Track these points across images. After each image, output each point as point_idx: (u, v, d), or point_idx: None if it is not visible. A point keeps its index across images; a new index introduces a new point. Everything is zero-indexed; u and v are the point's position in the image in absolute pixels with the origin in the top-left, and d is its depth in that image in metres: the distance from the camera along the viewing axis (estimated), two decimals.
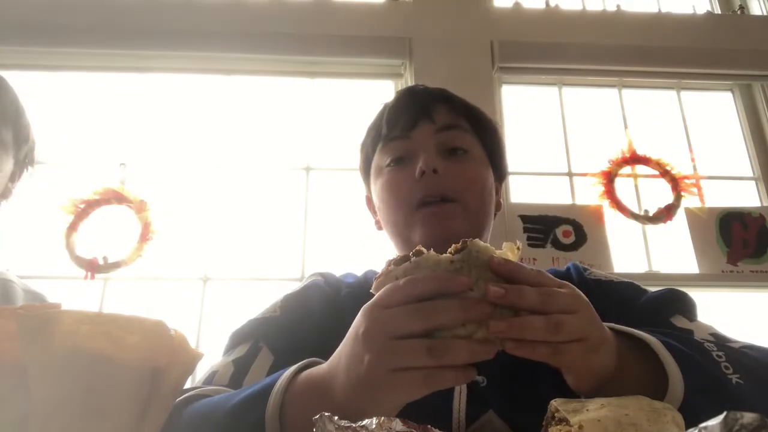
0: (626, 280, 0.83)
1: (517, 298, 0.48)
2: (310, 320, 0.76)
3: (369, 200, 0.94)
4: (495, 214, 0.87)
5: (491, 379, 0.66)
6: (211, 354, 0.72)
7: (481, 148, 0.86)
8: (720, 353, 0.57)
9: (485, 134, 0.87)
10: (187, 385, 0.71)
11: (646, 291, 0.79)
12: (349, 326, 0.65)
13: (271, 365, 0.72)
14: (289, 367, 0.56)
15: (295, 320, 0.76)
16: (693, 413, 0.41)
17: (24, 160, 1.01)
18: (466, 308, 0.47)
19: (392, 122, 0.85)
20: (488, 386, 0.66)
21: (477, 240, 0.51)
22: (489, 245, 0.51)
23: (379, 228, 0.90)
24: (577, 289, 0.53)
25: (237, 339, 0.77)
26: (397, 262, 0.52)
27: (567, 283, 0.52)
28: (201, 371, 0.74)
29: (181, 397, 0.63)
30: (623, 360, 0.54)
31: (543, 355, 0.48)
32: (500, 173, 0.90)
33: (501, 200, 0.90)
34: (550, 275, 0.53)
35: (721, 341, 0.68)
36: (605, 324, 0.55)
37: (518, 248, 0.53)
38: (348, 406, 0.49)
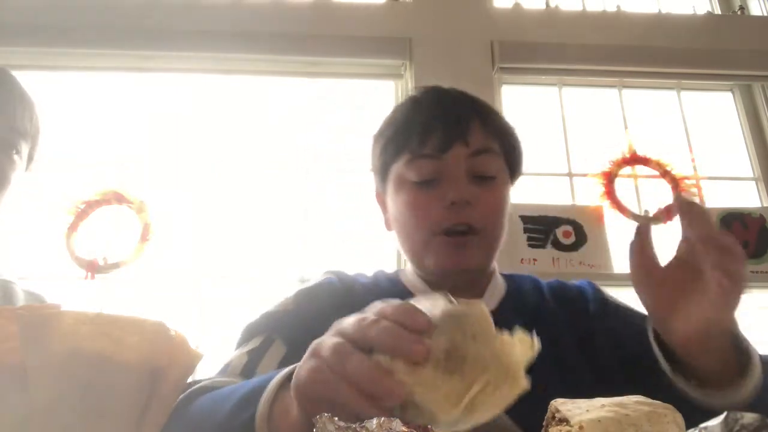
0: (642, 313, 0.83)
1: None
2: (322, 315, 0.76)
3: (380, 197, 0.91)
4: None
5: None
6: (211, 354, 0.72)
7: (506, 167, 0.85)
8: None
9: (512, 152, 0.86)
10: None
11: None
12: None
13: (283, 356, 0.73)
14: (283, 371, 0.55)
15: (307, 315, 0.77)
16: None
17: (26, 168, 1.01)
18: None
19: (423, 137, 0.79)
20: None
21: (480, 307, 0.44)
22: (489, 319, 0.44)
23: (389, 228, 0.89)
24: None
25: (251, 332, 0.78)
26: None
27: None
28: (201, 371, 0.75)
29: (193, 388, 0.64)
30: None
31: None
32: (515, 180, 0.90)
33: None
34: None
35: None
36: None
37: (533, 345, 0.46)
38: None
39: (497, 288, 0.85)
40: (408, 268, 0.89)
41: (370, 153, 0.92)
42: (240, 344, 0.78)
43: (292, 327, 0.76)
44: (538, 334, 0.77)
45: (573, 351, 0.77)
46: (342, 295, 0.80)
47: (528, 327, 0.78)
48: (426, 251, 0.79)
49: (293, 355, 0.72)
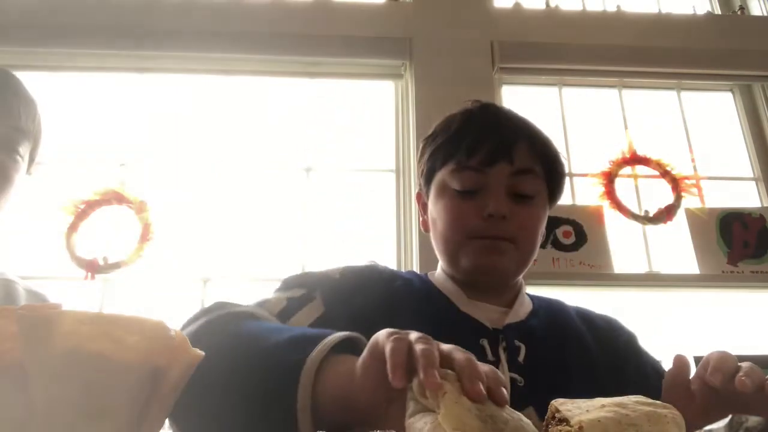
0: (655, 360, 0.87)
1: None
2: (365, 293, 0.81)
3: (420, 198, 0.95)
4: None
5: (529, 380, 0.73)
6: None
7: (545, 189, 0.87)
8: None
9: (553, 175, 0.88)
10: None
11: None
12: (401, 313, 0.76)
13: (319, 316, 0.77)
14: (339, 333, 0.57)
15: (351, 289, 0.81)
16: None
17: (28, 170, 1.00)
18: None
19: (471, 150, 0.83)
20: (526, 386, 0.73)
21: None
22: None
23: (425, 230, 0.92)
24: None
25: (292, 283, 0.82)
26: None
27: None
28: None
29: (236, 310, 0.69)
30: None
31: None
32: (553, 202, 0.92)
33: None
34: None
35: None
36: None
37: None
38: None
39: (525, 302, 0.88)
40: (437, 271, 0.91)
41: (418, 154, 0.95)
42: (278, 290, 0.82)
43: (333, 293, 0.80)
44: (568, 347, 0.81)
45: (601, 368, 0.81)
46: (385, 284, 0.84)
47: (558, 339, 0.82)
48: (461, 253, 0.83)
49: (329, 317, 0.76)
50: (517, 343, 0.77)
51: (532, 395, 0.71)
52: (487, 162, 0.82)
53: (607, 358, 0.82)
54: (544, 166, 0.87)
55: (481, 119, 0.88)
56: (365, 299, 0.79)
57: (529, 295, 0.92)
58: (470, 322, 0.80)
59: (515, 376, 0.73)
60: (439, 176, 0.87)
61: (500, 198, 0.81)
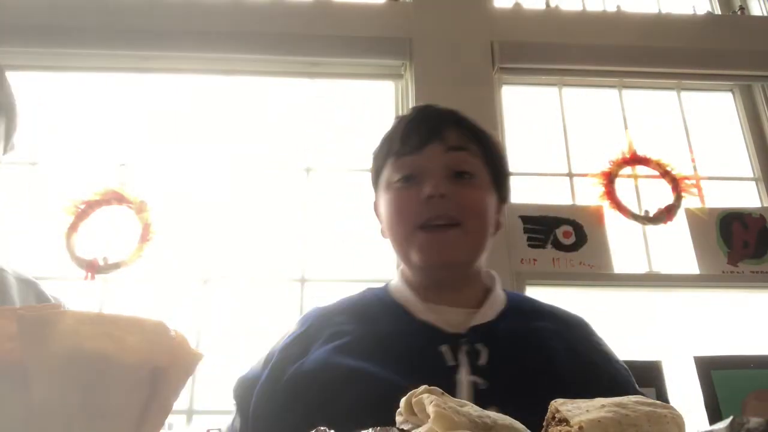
0: (623, 365, 0.86)
1: None
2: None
3: (376, 207, 0.96)
4: (495, 233, 0.89)
5: (491, 382, 0.71)
6: (211, 354, 0.73)
7: (487, 172, 0.87)
8: None
9: (492, 158, 0.89)
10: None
11: (637, 391, 0.82)
12: (355, 344, 0.77)
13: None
14: None
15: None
16: None
17: None
18: None
19: (404, 139, 0.87)
20: (488, 389, 0.70)
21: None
22: None
23: (384, 236, 0.92)
24: None
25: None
26: None
27: None
28: (201, 371, 0.77)
29: None
30: None
31: None
32: (503, 195, 0.92)
33: (501, 220, 0.91)
34: None
35: None
36: None
37: None
38: None
39: (497, 301, 0.85)
40: (395, 279, 0.90)
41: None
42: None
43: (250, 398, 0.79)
44: (535, 348, 0.80)
45: (569, 370, 0.78)
46: (303, 344, 0.79)
47: (525, 340, 0.80)
48: (410, 246, 0.83)
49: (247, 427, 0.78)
50: (478, 346, 0.75)
51: (495, 397, 0.69)
52: (420, 144, 0.85)
53: (575, 359, 0.80)
54: (479, 146, 0.88)
55: (411, 116, 0.92)
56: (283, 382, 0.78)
57: (507, 292, 0.90)
58: (427, 329, 0.78)
59: (476, 379, 0.71)
60: (384, 176, 0.90)
61: (437, 177, 0.82)
